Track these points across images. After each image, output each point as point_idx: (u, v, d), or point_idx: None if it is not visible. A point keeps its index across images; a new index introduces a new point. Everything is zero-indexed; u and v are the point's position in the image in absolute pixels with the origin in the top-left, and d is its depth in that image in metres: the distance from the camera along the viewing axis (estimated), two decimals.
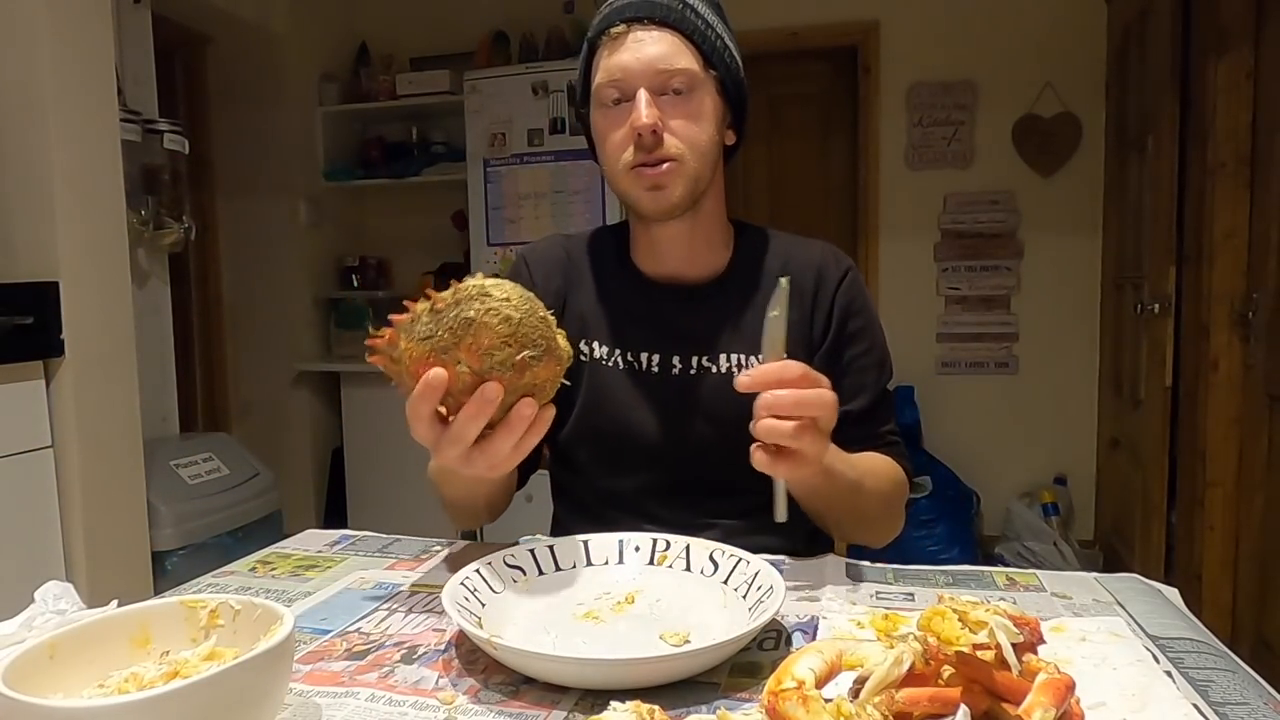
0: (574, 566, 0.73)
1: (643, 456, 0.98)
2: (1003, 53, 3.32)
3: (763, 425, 0.69)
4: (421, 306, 0.61)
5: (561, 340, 0.63)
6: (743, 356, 0.96)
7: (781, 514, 0.74)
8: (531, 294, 0.62)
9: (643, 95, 0.89)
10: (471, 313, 0.59)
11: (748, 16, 3.48)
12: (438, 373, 0.60)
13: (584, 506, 1.01)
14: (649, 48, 0.90)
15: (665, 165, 0.90)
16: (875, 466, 0.91)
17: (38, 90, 1.90)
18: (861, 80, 3.50)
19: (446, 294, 0.60)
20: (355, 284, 3.83)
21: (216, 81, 3.56)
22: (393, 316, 0.62)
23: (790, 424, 0.69)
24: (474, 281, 0.61)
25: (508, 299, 0.60)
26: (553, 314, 0.63)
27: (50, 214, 1.92)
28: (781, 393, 0.69)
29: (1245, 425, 2.17)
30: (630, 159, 0.90)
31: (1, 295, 1.81)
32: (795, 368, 0.70)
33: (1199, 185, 2.32)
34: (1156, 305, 2.43)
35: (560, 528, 1.04)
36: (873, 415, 0.97)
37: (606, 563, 0.73)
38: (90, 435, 1.97)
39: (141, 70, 2.62)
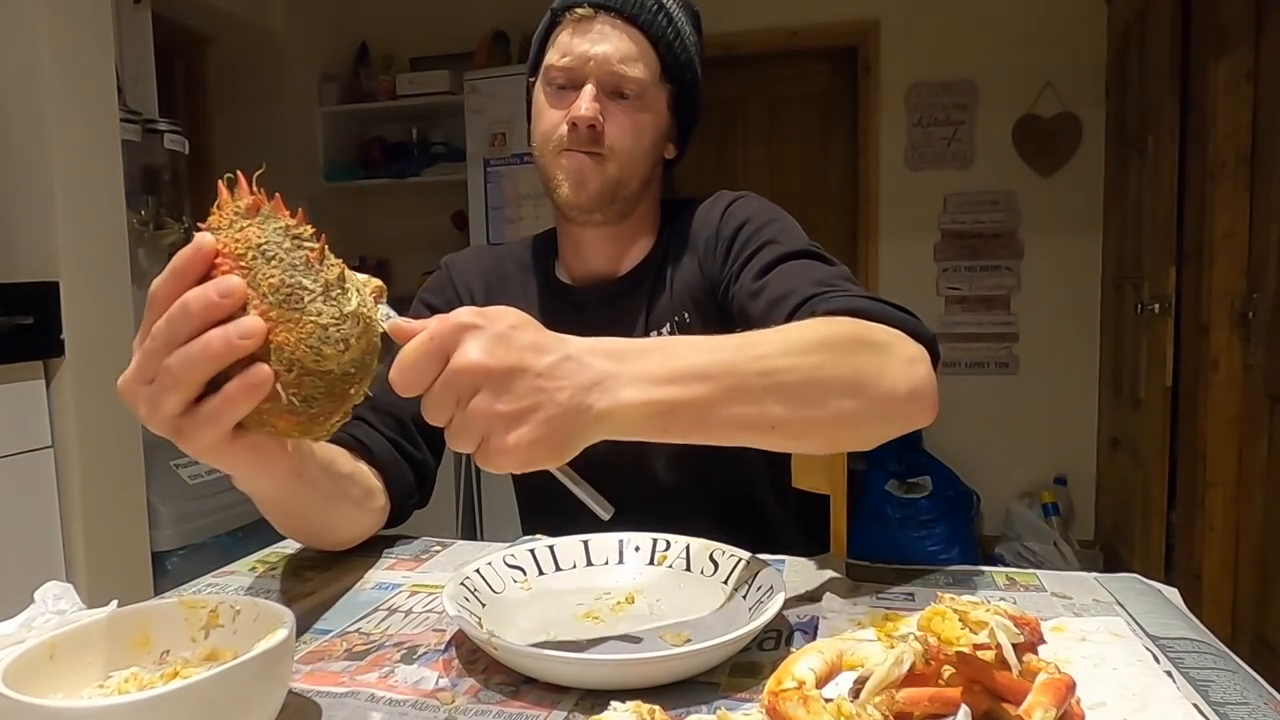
0: (574, 566, 0.73)
1: (592, 467, 0.96)
2: (1003, 53, 3.32)
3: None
4: (303, 230, 0.48)
5: (330, 425, 0.50)
6: (665, 328, 0.94)
7: (603, 511, 0.57)
8: (373, 368, 0.50)
9: (589, 90, 0.86)
10: (312, 306, 0.47)
11: (748, 16, 3.50)
12: (240, 287, 0.45)
13: (548, 520, 0.99)
14: (609, 42, 0.86)
15: (594, 158, 0.87)
16: (792, 334, 0.62)
17: (38, 90, 1.90)
18: (861, 80, 3.50)
19: (332, 258, 0.48)
20: None
21: (216, 81, 3.56)
22: (278, 200, 0.49)
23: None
24: (359, 290, 0.49)
25: (348, 343, 0.47)
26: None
27: (50, 214, 1.92)
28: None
29: (1245, 425, 2.17)
30: (563, 143, 0.88)
31: (1, 295, 1.81)
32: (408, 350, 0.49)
33: (1199, 185, 2.32)
34: (1156, 305, 2.43)
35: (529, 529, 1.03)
36: (784, 280, 0.80)
37: (606, 563, 0.73)
38: (90, 435, 1.97)
39: (141, 70, 2.61)
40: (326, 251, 0.48)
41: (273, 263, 0.47)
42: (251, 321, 0.45)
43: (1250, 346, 2.15)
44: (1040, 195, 3.35)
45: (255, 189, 0.49)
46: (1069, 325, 3.36)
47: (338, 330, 0.47)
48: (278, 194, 0.49)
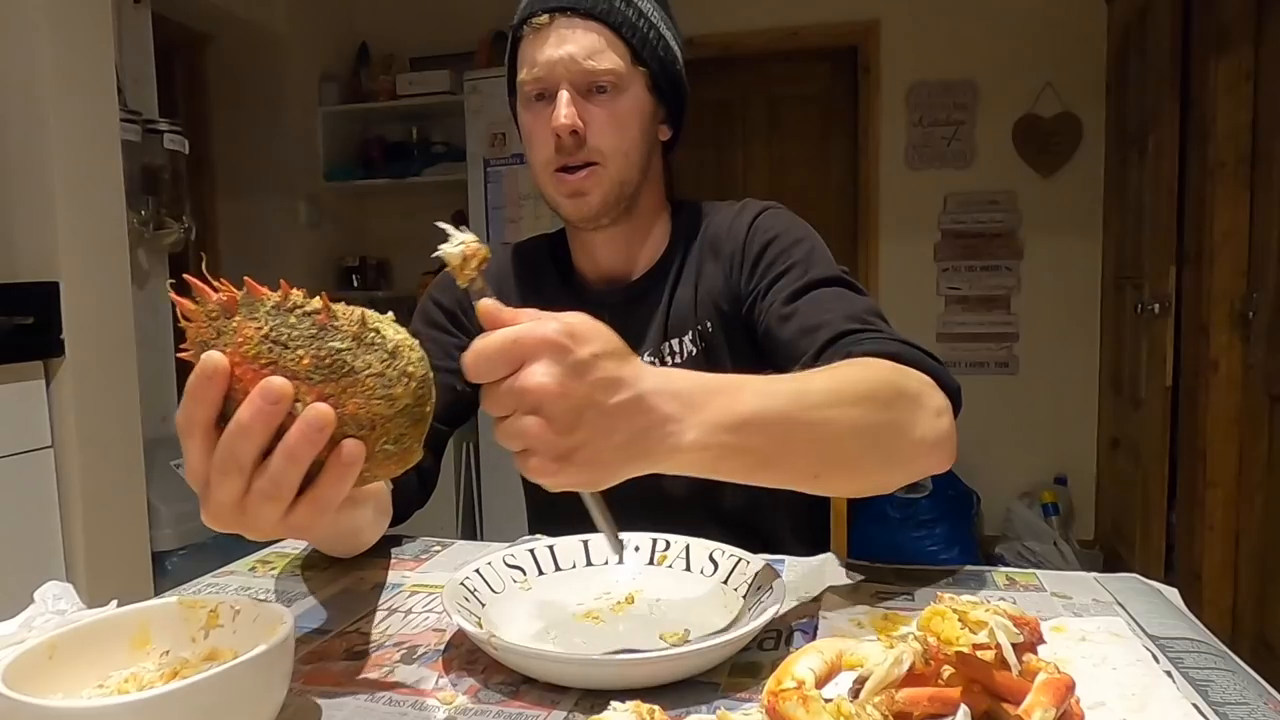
0: (574, 566, 0.73)
1: None
2: (1003, 53, 3.32)
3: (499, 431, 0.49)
4: (295, 298, 0.46)
5: (420, 444, 0.50)
6: (679, 340, 0.94)
7: (614, 549, 0.58)
8: (432, 377, 0.49)
9: (564, 95, 0.85)
10: (358, 363, 0.45)
11: (748, 16, 3.50)
12: (286, 386, 0.44)
13: (555, 519, 0.99)
14: (573, 42, 0.85)
15: (585, 170, 0.87)
16: (839, 382, 0.62)
17: (38, 90, 1.90)
18: (861, 80, 3.50)
19: (338, 308, 0.46)
20: (355, 284, 3.83)
21: (216, 81, 3.56)
22: (249, 282, 0.46)
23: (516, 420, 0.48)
24: (383, 324, 0.47)
25: (408, 374, 0.47)
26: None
27: (50, 214, 1.92)
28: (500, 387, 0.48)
29: (1245, 425, 2.17)
30: (551, 160, 0.87)
31: (1, 295, 1.81)
32: (487, 341, 0.48)
33: (1199, 185, 2.32)
34: (1156, 305, 2.43)
35: (535, 529, 1.02)
36: (816, 309, 0.81)
37: (606, 563, 0.73)
38: (90, 435, 1.97)
39: (141, 70, 2.61)
40: (331, 305, 0.46)
41: (291, 345, 0.45)
42: (319, 409, 0.44)
43: (1250, 346, 2.15)
44: (1040, 195, 3.35)
45: (218, 283, 0.46)
46: (1069, 325, 3.36)
47: (393, 369, 0.46)
48: (246, 278, 0.46)
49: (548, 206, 0.93)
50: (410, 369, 0.47)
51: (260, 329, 0.45)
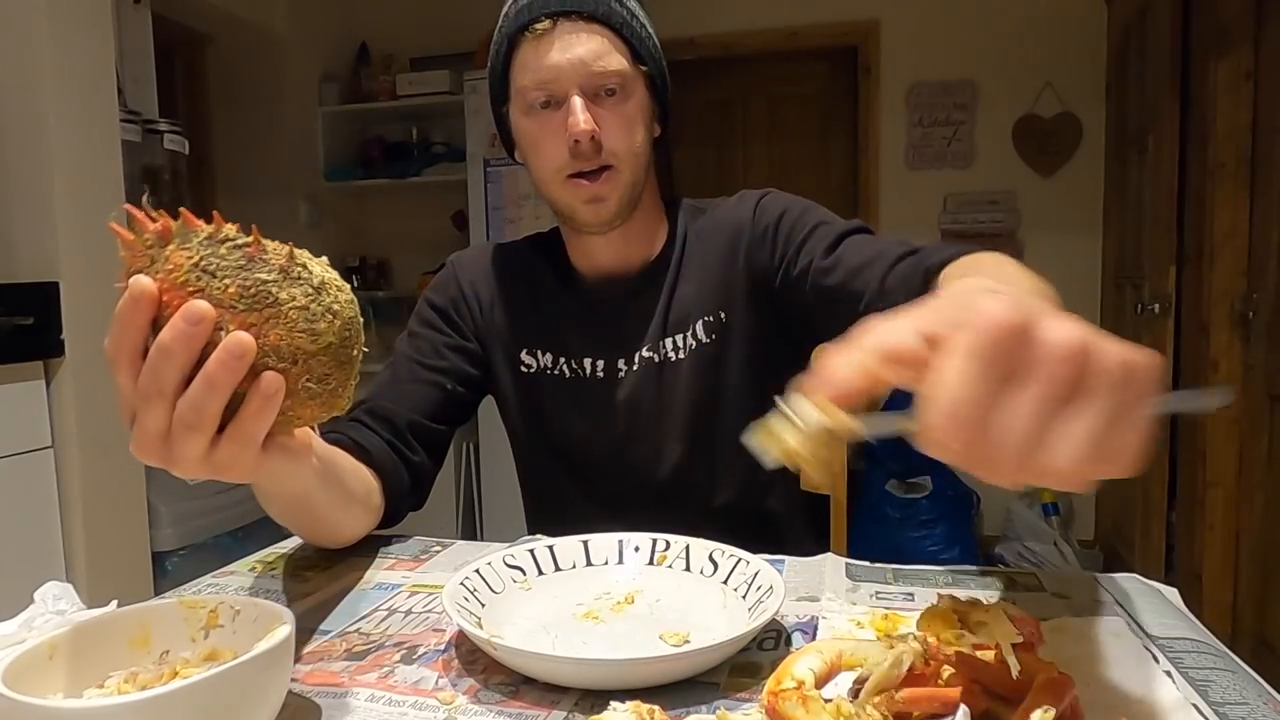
0: (574, 566, 0.73)
1: (601, 467, 0.96)
2: (1003, 53, 3.32)
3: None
4: (228, 231, 0.46)
5: (348, 391, 0.50)
6: (682, 335, 0.94)
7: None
8: (361, 323, 0.51)
9: (578, 101, 0.83)
10: (283, 294, 0.46)
11: (748, 16, 3.51)
12: (207, 308, 0.44)
13: (553, 519, 0.98)
14: (579, 46, 0.84)
15: (603, 175, 0.86)
16: (1019, 277, 0.60)
17: (38, 90, 1.90)
18: (861, 80, 3.51)
19: (269, 243, 0.47)
20: (355, 284, 3.82)
21: (216, 81, 3.56)
22: (185, 213, 0.47)
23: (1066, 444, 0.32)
24: (311, 261, 0.48)
25: (333, 312, 0.47)
26: (360, 355, 0.51)
27: (50, 214, 1.92)
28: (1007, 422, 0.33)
29: (1245, 425, 2.17)
30: (564, 166, 0.86)
31: (1, 295, 1.81)
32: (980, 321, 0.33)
33: (1199, 185, 2.32)
34: (1156, 305, 2.43)
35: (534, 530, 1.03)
36: (857, 251, 0.81)
37: (606, 563, 0.73)
38: (90, 435, 1.97)
39: (141, 70, 2.61)
40: (262, 239, 0.47)
41: (219, 274, 0.45)
42: (238, 337, 0.44)
43: (1250, 346, 2.15)
44: (1040, 195, 3.35)
45: (154, 214, 0.47)
46: None
47: (318, 304, 0.47)
48: (181, 209, 0.47)
49: (548, 207, 0.93)
50: (336, 307, 0.48)
51: (191, 258, 0.45)
